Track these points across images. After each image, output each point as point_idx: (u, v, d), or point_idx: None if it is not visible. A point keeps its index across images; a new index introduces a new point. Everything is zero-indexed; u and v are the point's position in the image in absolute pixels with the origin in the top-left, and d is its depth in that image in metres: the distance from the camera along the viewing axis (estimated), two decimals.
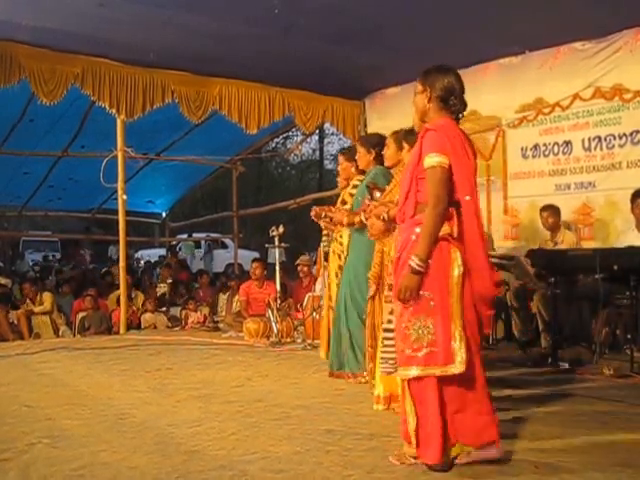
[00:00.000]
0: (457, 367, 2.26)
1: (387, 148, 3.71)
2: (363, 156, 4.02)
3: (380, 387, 3.23)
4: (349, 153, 4.45)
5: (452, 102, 2.42)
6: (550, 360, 4.40)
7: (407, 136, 3.38)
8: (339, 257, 4.28)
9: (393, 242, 3.37)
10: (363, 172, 4.29)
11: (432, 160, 2.31)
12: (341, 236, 4.30)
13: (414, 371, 2.30)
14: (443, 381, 2.30)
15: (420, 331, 2.29)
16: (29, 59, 5.56)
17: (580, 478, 2.24)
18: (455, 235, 2.33)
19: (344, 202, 4.32)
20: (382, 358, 3.13)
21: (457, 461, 2.35)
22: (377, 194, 3.76)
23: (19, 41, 5.49)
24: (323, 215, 4.38)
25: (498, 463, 2.36)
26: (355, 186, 4.28)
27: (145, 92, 6.10)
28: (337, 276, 4.26)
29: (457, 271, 2.31)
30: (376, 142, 4.01)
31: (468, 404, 2.34)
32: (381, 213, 3.08)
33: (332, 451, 2.55)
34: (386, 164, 3.79)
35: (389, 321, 2.97)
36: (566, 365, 4.28)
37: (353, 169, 4.33)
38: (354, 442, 2.65)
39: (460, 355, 2.26)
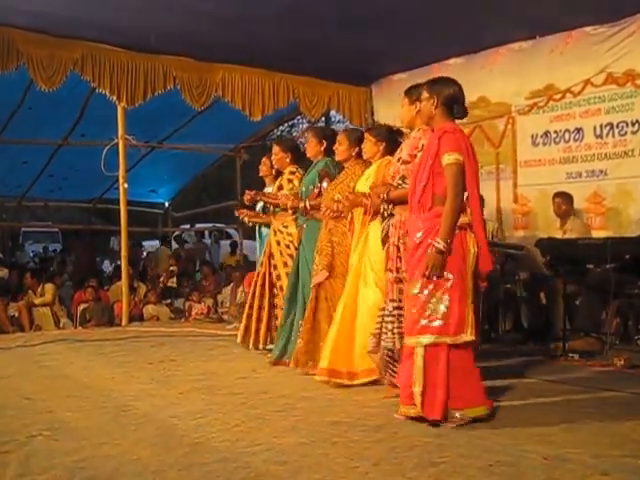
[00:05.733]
0: (468, 336, 2.68)
1: (340, 144, 3.88)
2: (314, 146, 4.19)
3: (325, 361, 3.46)
4: (285, 144, 4.64)
5: (456, 109, 2.80)
6: (560, 351, 4.34)
7: (373, 130, 3.66)
8: (287, 247, 4.39)
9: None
10: (296, 163, 4.50)
11: (451, 158, 2.69)
12: (286, 226, 4.42)
13: (427, 339, 2.69)
14: (451, 349, 2.69)
15: (437, 305, 2.69)
16: (27, 44, 5.45)
17: (589, 469, 2.21)
18: (470, 223, 2.74)
19: (280, 188, 4.46)
20: (378, 334, 3.24)
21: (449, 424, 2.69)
22: (324, 183, 4.01)
23: (17, 26, 5.38)
24: (258, 199, 4.54)
25: (506, 453, 2.36)
26: (292, 172, 4.45)
27: (146, 78, 5.98)
28: (286, 265, 4.35)
29: (472, 256, 2.73)
30: (328, 134, 4.21)
31: (468, 371, 2.74)
32: (381, 192, 3.26)
33: (338, 443, 2.52)
34: (338, 159, 3.96)
35: (396, 300, 3.12)
36: (576, 356, 4.23)
37: (288, 159, 4.49)
38: (360, 434, 2.63)
39: (471, 326, 2.69)
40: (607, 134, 5.32)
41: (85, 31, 5.59)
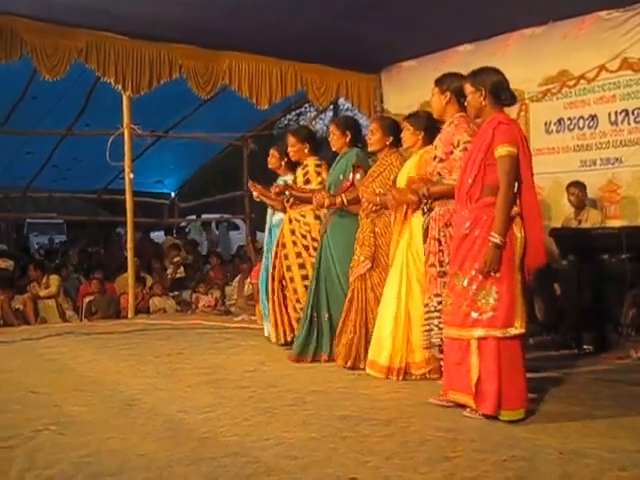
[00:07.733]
0: (517, 329, 2.64)
1: (372, 134, 3.75)
2: (339, 138, 4.06)
3: (397, 358, 3.41)
4: (300, 134, 4.48)
5: (504, 96, 2.79)
6: (574, 343, 4.28)
7: (411, 119, 3.56)
8: (303, 237, 4.28)
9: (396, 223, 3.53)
10: (315, 154, 4.37)
11: (505, 150, 2.67)
12: (303, 215, 4.30)
13: (478, 332, 2.66)
14: (501, 342, 2.65)
15: (486, 297, 2.66)
16: (31, 33, 5.37)
17: (606, 464, 2.16)
18: (520, 213, 2.71)
19: (308, 181, 4.32)
20: (427, 330, 3.15)
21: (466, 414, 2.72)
22: (357, 175, 3.89)
23: (20, 15, 5.30)
24: (287, 192, 4.38)
25: (521, 447, 2.32)
26: (318, 165, 4.32)
27: (152, 67, 5.90)
28: (299, 256, 4.27)
29: (519, 241, 2.68)
30: (351, 124, 4.10)
31: (516, 367, 2.67)
32: (421, 189, 3.19)
33: (348, 437, 2.49)
34: (371, 149, 3.81)
35: (440, 295, 3.05)
36: (591, 348, 4.17)
37: (306, 150, 4.36)
38: (371, 428, 2.59)
39: (521, 318, 2.64)
40: (622, 121, 5.21)
41: (89, 19, 5.50)
